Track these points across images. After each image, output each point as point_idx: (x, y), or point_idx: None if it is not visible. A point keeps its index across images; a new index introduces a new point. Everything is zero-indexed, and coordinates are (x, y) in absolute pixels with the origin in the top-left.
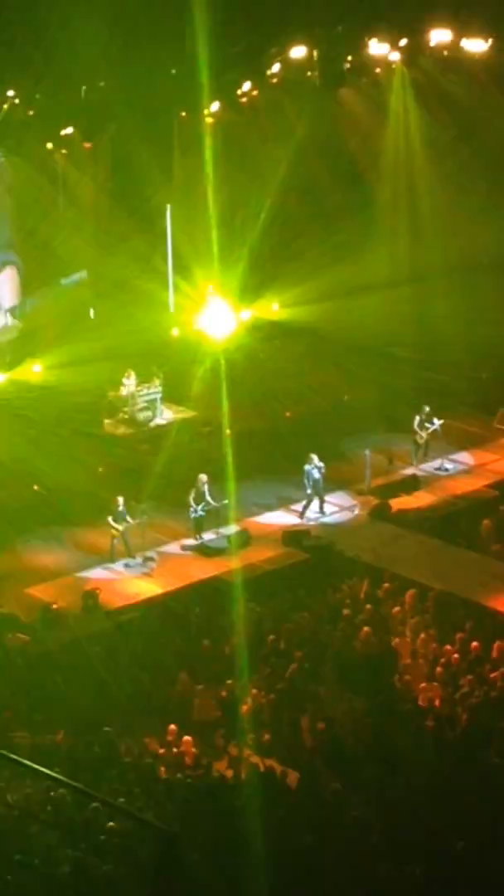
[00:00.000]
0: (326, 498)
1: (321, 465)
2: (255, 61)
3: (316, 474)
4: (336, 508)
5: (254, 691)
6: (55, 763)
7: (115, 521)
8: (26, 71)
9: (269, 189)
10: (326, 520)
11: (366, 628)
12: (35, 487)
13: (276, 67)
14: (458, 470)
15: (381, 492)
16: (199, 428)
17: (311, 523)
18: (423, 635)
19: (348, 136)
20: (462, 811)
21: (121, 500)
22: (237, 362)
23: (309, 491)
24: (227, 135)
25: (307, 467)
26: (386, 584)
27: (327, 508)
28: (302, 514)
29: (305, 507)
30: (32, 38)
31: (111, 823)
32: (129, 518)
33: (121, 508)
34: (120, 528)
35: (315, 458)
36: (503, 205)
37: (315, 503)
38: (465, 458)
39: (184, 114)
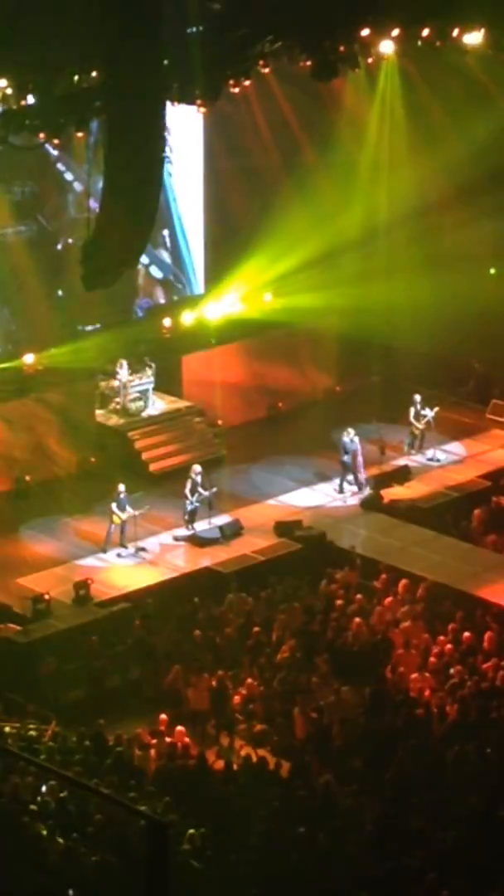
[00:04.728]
0: (318, 487)
1: (357, 438)
2: (249, 51)
3: (354, 446)
4: (329, 498)
5: (246, 681)
6: (47, 753)
7: (118, 508)
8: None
9: (261, 179)
10: (319, 509)
11: (357, 619)
12: (27, 478)
13: (268, 57)
14: (450, 460)
15: (372, 482)
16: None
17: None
18: (414, 626)
19: (341, 126)
20: (454, 801)
21: (122, 487)
22: (229, 353)
23: (347, 459)
24: (221, 124)
25: (345, 439)
26: (378, 575)
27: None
28: (360, 487)
29: (354, 482)
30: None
31: (101, 814)
32: (129, 507)
33: (122, 496)
34: (123, 516)
35: (351, 430)
36: (493, 194)
37: (350, 476)
38: (458, 448)
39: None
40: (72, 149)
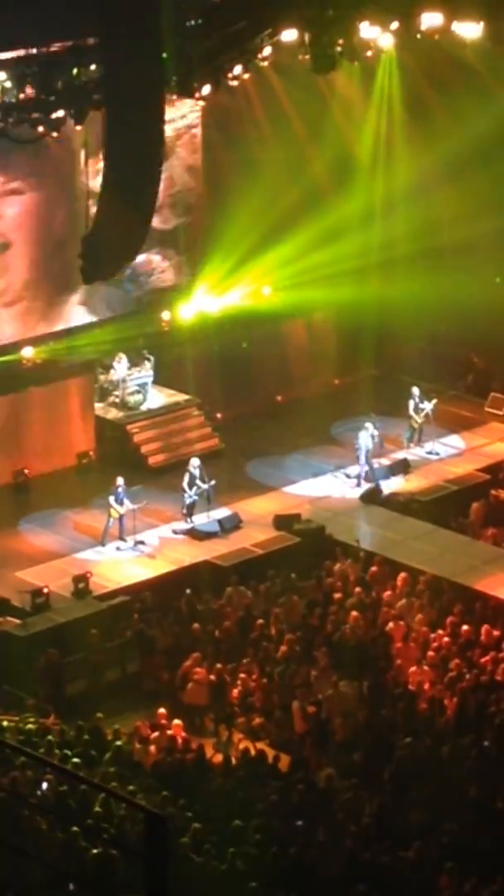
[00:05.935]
0: (317, 480)
1: (376, 432)
2: (247, 44)
3: (371, 442)
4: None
5: (244, 675)
6: (46, 747)
7: (116, 502)
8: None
9: (260, 172)
10: (317, 502)
11: (354, 612)
12: (25, 472)
13: (267, 50)
14: (448, 454)
15: (371, 476)
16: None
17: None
18: (413, 619)
19: (339, 120)
20: (453, 794)
21: (121, 480)
22: (228, 346)
23: (360, 455)
24: (219, 118)
25: (362, 434)
26: (377, 568)
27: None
28: (370, 478)
29: (355, 475)
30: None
31: (100, 807)
32: (127, 501)
33: (121, 490)
34: (121, 510)
35: (370, 425)
36: (492, 188)
37: (366, 468)
38: (456, 441)
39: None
40: None
